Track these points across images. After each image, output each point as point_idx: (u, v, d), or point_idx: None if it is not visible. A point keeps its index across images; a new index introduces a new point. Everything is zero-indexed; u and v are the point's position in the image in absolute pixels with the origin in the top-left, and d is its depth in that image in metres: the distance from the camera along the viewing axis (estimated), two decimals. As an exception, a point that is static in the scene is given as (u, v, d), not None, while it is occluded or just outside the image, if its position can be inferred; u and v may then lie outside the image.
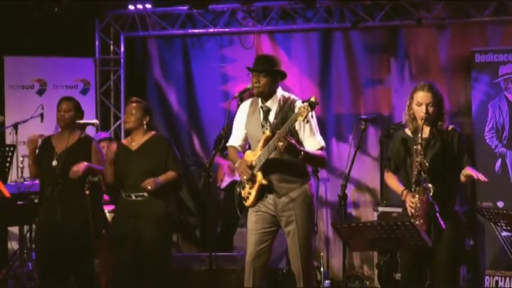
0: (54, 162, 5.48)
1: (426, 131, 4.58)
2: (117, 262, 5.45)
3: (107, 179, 5.54)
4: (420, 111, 4.53)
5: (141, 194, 5.36)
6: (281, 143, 4.45)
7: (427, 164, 4.43)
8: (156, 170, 5.37)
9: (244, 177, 4.80)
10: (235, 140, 5.02)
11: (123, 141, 5.70)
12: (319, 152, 4.74)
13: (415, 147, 4.50)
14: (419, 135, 4.50)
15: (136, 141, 5.46)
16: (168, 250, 5.57)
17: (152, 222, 5.33)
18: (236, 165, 4.89)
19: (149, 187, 5.27)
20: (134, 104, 5.45)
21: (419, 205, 4.45)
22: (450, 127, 4.62)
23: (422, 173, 4.42)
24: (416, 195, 4.47)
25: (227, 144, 5.06)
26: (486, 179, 4.38)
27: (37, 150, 5.58)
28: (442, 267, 4.49)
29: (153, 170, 5.35)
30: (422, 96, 4.55)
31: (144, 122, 5.44)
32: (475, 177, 4.36)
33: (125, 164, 5.43)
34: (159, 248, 5.37)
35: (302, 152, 4.57)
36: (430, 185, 4.37)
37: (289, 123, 4.48)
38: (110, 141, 6.64)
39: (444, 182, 4.48)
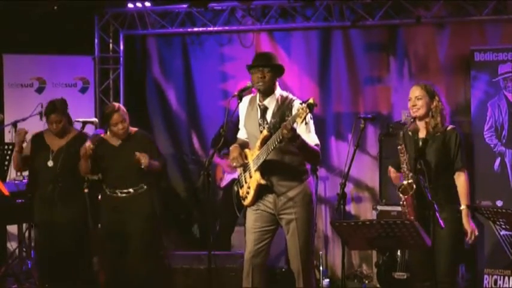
0: (50, 163, 5.55)
1: (424, 131, 4.61)
2: (109, 259, 5.52)
3: (82, 173, 5.57)
4: (409, 105, 4.64)
5: (126, 190, 5.45)
6: (286, 132, 4.36)
7: (408, 163, 4.52)
8: (139, 166, 5.41)
9: (235, 163, 4.80)
10: (241, 134, 5.03)
11: (105, 136, 5.68)
12: (315, 146, 4.73)
13: (398, 147, 4.58)
14: (410, 134, 4.57)
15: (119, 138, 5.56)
16: (155, 247, 5.65)
17: (139, 219, 5.42)
18: (230, 148, 4.88)
19: (142, 161, 5.35)
20: (121, 113, 5.51)
21: (405, 202, 4.50)
22: (450, 127, 4.64)
23: (406, 170, 4.52)
24: (401, 195, 4.53)
25: (237, 136, 5.05)
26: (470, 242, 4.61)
27: (25, 144, 5.69)
28: (441, 266, 4.49)
29: (137, 166, 5.39)
30: (411, 91, 4.68)
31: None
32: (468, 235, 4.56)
33: (109, 160, 5.51)
34: (146, 244, 5.47)
35: (299, 139, 4.47)
36: (412, 181, 4.46)
37: (288, 124, 4.43)
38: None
39: (443, 182, 4.50)
